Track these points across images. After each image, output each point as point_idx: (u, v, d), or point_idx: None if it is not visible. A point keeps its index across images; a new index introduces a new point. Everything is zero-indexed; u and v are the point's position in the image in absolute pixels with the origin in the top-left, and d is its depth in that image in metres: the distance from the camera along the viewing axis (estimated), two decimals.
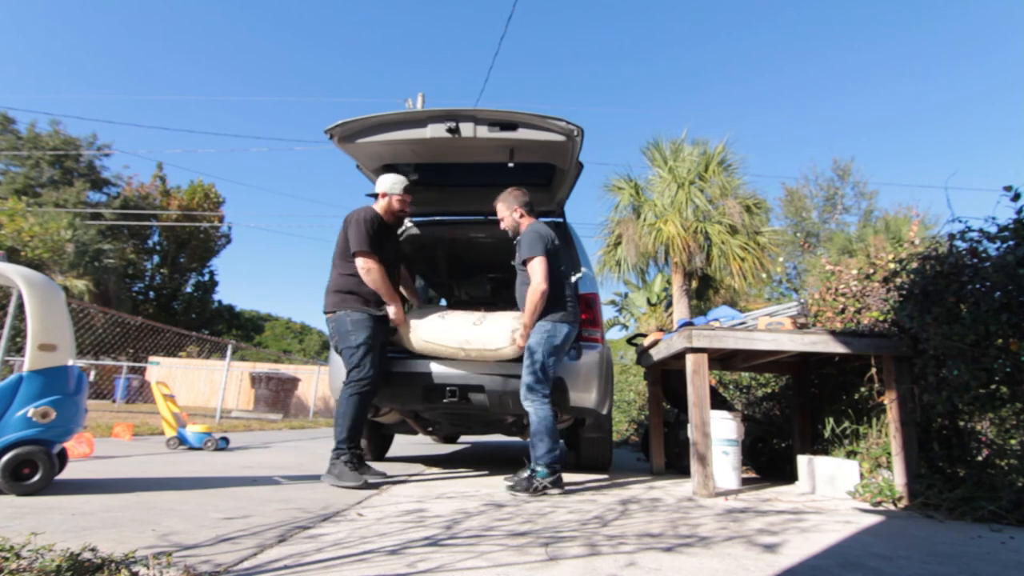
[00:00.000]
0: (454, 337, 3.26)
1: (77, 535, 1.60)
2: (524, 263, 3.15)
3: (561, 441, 3.23)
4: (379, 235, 3.23)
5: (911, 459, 2.92)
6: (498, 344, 3.21)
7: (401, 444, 6.55)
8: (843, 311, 3.91)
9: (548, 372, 3.06)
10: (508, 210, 3.33)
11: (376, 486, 2.99)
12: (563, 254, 3.37)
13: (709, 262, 10.93)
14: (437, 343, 3.29)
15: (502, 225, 3.36)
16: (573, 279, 3.68)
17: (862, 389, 3.55)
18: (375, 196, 3.39)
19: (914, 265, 3.18)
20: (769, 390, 5.26)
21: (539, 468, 2.94)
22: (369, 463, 3.39)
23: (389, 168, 3.75)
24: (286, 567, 1.40)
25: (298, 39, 71.32)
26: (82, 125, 43.79)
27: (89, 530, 1.69)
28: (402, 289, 3.67)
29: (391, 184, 3.35)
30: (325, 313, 3.26)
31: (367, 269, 3.15)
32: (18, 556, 1.23)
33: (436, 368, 3.37)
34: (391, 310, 3.24)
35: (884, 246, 7.18)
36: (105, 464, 3.43)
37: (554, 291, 3.13)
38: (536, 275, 3.09)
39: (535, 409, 2.99)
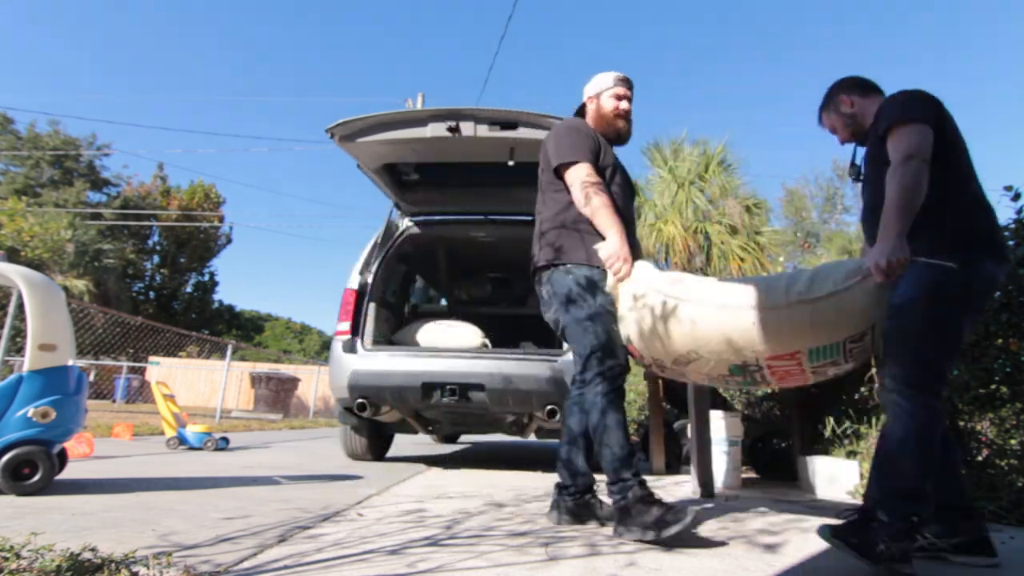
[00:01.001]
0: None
1: (77, 535, 1.60)
2: (884, 137, 1.68)
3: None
4: (595, 148, 2.17)
5: None
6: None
7: (401, 444, 6.54)
8: None
9: (941, 360, 1.62)
10: (836, 113, 1.98)
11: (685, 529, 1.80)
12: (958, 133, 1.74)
13: (709, 262, 10.94)
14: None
15: (840, 136, 2.00)
16: None
17: (862, 389, 3.55)
18: (582, 111, 2.38)
19: None
20: (769, 390, 5.25)
21: (883, 514, 1.55)
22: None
23: (389, 168, 3.74)
24: (286, 567, 1.40)
25: (298, 39, 71.38)
26: (82, 125, 43.72)
27: (89, 530, 1.69)
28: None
29: (597, 81, 2.33)
30: (534, 272, 2.22)
31: (580, 183, 2.03)
32: (18, 556, 1.23)
33: (435, 366, 3.36)
34: (607, 245, 1.97)
35: None
36: (105, 464, 3.43)
37: (948, 192, 1.64)
38: (903, 146, 1.59)
39: (901, 410, 1.59)
